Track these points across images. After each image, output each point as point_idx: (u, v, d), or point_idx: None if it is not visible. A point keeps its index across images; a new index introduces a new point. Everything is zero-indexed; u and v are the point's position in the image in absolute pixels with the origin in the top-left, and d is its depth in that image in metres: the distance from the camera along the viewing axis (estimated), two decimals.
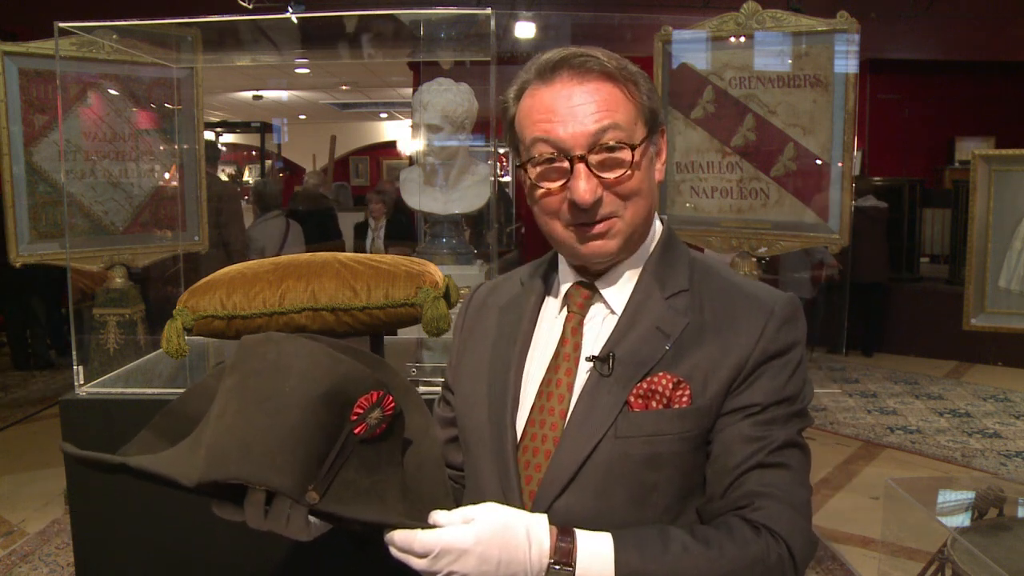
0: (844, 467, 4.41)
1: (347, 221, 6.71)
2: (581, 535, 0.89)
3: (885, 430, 5.05)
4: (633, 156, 0.96)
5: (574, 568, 0.86)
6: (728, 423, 0.96)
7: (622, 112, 0.96)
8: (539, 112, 0.97)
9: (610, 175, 0.96)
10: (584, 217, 0.98)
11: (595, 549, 0.88)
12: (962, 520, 2.32)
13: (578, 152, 0.95)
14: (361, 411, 0.90)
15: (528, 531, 0.87)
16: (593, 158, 0.95)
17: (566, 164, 0.96)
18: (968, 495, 2.45)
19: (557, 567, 0.86)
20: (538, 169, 0.98)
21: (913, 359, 6.98)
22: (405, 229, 5.59)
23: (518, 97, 1.02)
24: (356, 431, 0.90)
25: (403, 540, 0.87)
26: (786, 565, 0.91)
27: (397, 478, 0.94)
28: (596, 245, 0.99)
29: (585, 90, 0.95)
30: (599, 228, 0.98)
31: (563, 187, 0.97)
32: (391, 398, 0.91)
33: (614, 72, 0.97)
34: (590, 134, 0.95)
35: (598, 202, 0.96)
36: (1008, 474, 4.30)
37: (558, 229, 1.01)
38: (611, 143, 0.95)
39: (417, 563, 0.87)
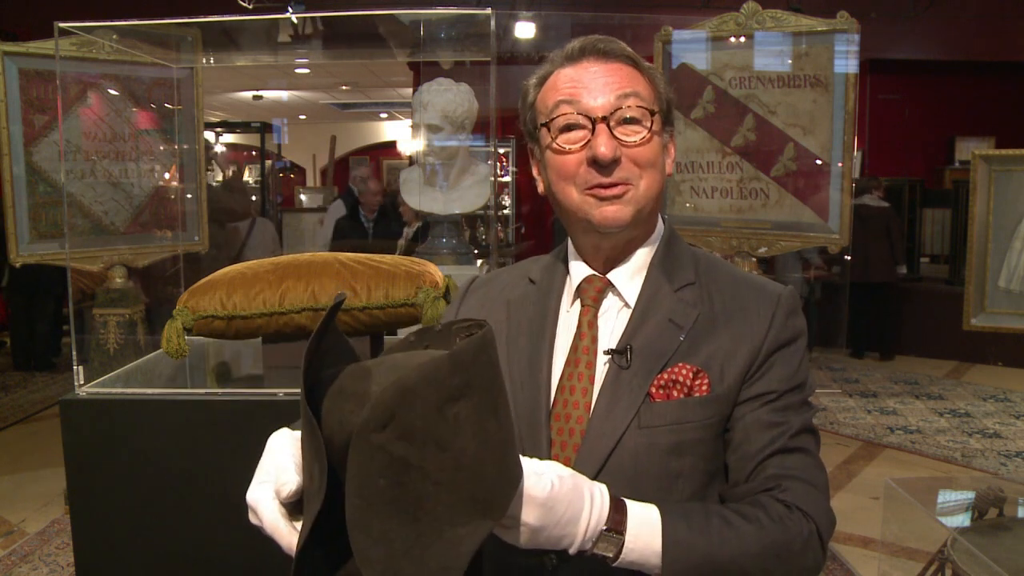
0: (844, 467, 4.41)
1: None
2: (631, 504, 0.90)
3: (885, 430, 5.05)
4: (652, 122, 1.01)
5: (624, 535, 0.87)
6: (746, 411, 1.00)
7: (643, 88, 1.03)
8: (564, 83, 1.03)
9: (629, 138, 1.00)
10: (602, 175, 1.00)
11: (644, 518, 0.89)
12: (962, 520, 2.32)
13: (600, 114, 1.00)
14: None
15: (592, 495, 0.86)
16: (614, 120, 1.00)
17: (588, 126, 1.00)
18: (968, 495, 2.45)
19: (609, 533, 0.87)
20: (559, 130, 1.02)
21: (913, 359, 6.98)
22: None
23: (541, 83, 1.07)
24: None
25: None
26: (815, 541, 0.95)
27: None
28: (611, 210, 1.01)
29: (609, 68, 1.02)
30: (615, 190, 1.01)
31: (583, 147, 1.01)
32: None
33: (636, 59, 1.04)
34: (613, 99, 1.00)
35: (616, 161, 1.00)
36: (1008, 474, 4.30)
37: (573, 196, 1.03)
38: (630, 114, 1.00)
39: None
